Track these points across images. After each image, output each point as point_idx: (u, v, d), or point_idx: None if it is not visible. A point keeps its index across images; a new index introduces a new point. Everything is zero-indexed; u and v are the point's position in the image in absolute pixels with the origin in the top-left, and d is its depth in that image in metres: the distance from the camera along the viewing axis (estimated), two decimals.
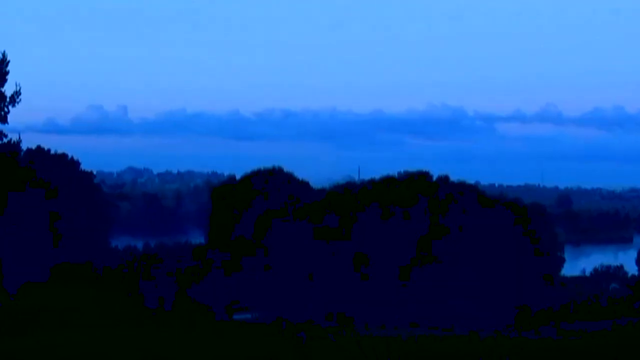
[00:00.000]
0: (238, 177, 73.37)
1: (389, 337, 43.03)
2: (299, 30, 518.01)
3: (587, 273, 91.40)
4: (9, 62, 51.04)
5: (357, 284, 61.83)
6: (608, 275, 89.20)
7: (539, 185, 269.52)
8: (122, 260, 70.96)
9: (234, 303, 61.25)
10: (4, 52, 51.17)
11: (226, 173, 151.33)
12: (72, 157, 76.42)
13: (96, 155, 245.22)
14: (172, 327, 45.40)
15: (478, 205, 65.72)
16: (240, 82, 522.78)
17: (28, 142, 65.88)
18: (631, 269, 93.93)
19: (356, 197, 66.54)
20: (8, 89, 50.66)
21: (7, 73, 51.09)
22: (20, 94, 50.66)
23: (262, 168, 70.25)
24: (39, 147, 73.49)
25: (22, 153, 59.90)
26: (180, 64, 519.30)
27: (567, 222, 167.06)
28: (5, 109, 50.68)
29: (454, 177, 69.19)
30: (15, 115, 50.86)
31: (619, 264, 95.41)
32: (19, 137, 53.00)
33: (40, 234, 66.72)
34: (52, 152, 74.93)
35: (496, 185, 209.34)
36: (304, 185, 70.37)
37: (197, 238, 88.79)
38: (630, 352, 36.50)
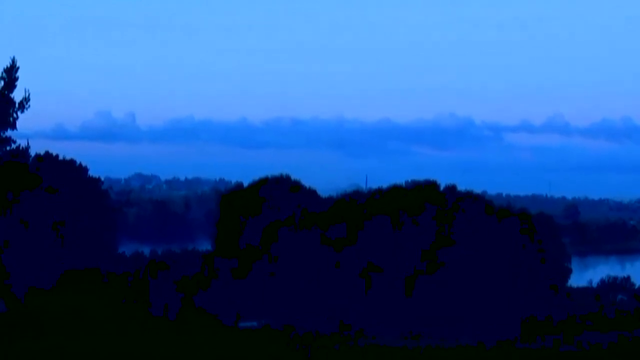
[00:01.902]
0: (246, 184, 73.38)
1: (394, 347, 43.05)
2: (306, 38, 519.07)
3: (594, 284, 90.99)
4: (18, 68, 51.27)
5: (363, 292, 61.82)
6: (615, 286, 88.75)
7: (546, 195, 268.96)
8: (129, 267, 70.94)
9: (240, 311, 61.24)
10: (14, 58, 51.42)
11: (234, 181, 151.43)
12: (80, 163, 76.22)
13: (104, 162, 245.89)
14: (178, 334, 45.46)
15: (485, 215, 65.66)
16: (248, 90, 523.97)
17: (36, 148, 65.99)
18: (638, 281, 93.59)
19: (363, 206, 66.52)
20: (17, 95, 50.90)
21: (16, 79, 51.31)
22: (29, 100, 50.88)
23: (269, 176, 70.25)
24: (47, 153, 73.33)
25: (30, 159, 59.99)
26: (188, 71, 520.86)
27: (574, 232, 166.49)
28: (14, 115, 50.91)
29: (461, 187, 69.21)
30: (24, 121, 51.10)
31: (626, 275, 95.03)
32: (28, 143, 53.26)
33: (47, 240, 66.78)
34: (60, 158, 74.82)
35: (503, 195, 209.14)
36: (312, 193, 70.32)
37: (204, 245, 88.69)
38: None
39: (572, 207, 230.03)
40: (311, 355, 36.04)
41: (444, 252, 62.92)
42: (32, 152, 59.64)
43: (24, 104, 50.66)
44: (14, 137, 51.84)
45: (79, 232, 69.74)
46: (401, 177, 72.74)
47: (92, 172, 77.68)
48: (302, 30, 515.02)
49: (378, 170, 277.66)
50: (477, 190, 73.11)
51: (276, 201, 67.15)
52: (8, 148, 52.09)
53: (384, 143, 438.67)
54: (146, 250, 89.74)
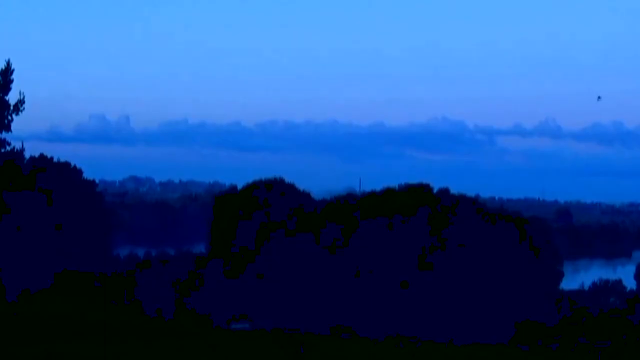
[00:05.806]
0: (240, 187, 73.54)
1: (387, 348, 43.34)
2: (301, 43, 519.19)
3: (586, 287, 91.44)
4: (13, 70, 51.38)
5: (356, 294, 62.02)
6: (607, 289, 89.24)
7: (539, 199, 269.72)
8: (123, 269, 71.14)
9: (233, 312, 61.45)
10: (9, 60, 51.54)
11: (228, 183, 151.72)
12: (74, 166, 76.43)
13: (99, 164, 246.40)
14: (171, 336, 45.64)
15: (478, 218, 65.89)
16: (242, 93, 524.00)
17: (31, 151, 66.12)
18: (629, 284, 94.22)
19: (357, 209, 66.75)
20: (12, 98, 51.01)
21: (11, 81, 51.40)
22: (24, 102, 50.94)
23: (263, 178, 70.44)
24: (41, 155, 73.57)
25: (25, 161, 60.13)
26: (182, 75, 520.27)
27: (566, 236, 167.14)
28: (9, 117, 50.98)
29: (454, 190, 69.37)
30: (18, 123, 51.18)
31: (617, 279, 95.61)
32: (22, 145, 53.30)
33: (41, 242, 66.93)
34: (55, 160, 75.02)
35: (496, 198, 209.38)
36: (305, 196, 70.50)
37: (198, 247, 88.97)
38: None
39: (565, 211, 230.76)
40: (304, 356, 36.30)
41: (437, 254, 63.15)
42: (27, 155, 59.78)
43: (18, 107, 50.71)
44: (8, 140, 51.91)
45: (74, 234, 69.92)
46: (394, 180, 72.88)
47: (86, 175, 78.06)
48: (296, 33, 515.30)
49: (371, 173, 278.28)
50: (470, 193, 73.33)
51: (270, 203, 67.35)
52: (3, 150, 52.16)
53: (377, 146, 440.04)
54: (140, 252, 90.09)
